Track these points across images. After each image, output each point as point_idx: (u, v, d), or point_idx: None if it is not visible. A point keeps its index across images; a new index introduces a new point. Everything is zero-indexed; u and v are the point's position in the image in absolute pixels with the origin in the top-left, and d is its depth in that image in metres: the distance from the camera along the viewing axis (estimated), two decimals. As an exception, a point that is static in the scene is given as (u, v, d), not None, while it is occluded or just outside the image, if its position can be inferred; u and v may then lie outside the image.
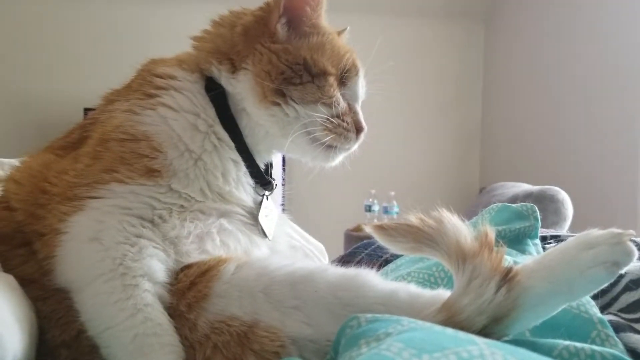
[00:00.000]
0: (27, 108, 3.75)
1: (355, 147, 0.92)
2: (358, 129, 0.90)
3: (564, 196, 2.55)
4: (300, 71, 0.85)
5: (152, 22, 3.79)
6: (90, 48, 3.80)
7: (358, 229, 3.27)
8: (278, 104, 0.84)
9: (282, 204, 1.08)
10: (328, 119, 0.86)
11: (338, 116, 0.87)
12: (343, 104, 0.89)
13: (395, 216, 3.41)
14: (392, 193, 3.47)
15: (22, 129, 3.60)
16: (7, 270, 0.75)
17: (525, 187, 2.85)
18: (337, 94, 0.88)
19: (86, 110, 3.24)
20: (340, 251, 2.70)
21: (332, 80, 0.87)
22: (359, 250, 1.22)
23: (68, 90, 3.65)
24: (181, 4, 3.61)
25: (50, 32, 3.79)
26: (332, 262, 1.28)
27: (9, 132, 3.63)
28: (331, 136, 0.86)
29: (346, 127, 0.88)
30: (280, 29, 0.86)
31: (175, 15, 3.05)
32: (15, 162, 0.89)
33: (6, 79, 3.74)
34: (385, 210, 3.46)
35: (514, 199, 2.66)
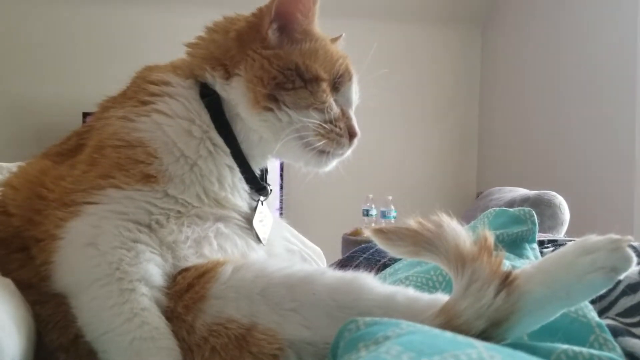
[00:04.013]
0: (26, 112, 3.74)
1: (348, 152, 0.92)
2: (351, 135, 0.90)
3: (560, 201, 2.55)
4: (292, 76, 0.85)
5: (151, 28, 3.79)
6: (89, 52, 3.80)
7: (356, 233, 3.27)
8: (271, 109, 0.85)
9: (280, 209, 1.08)
10: (320, 125, 0.86)
11: (331, 122, 0.87)
12: (336, 110, 0.89)
13: (392, 220, 3.41)
14: (390, 197, 3.47)
15: (21, 133, 3.60)
16: (5, 274, 0.75)
17: (522, 191, 2.86)
18: (330, 100, 0.88)
19: (85, 114, 3.24)
20: (338, 255, 2.69)
21: (324, 85, 0.87)
22: (356, 254, 1.22)
23: (67, 95, 3.65)
24: (180, 10, 3.61)
25: (49, 36, 3.79)
26: (330, 265, 1.28)
27: (8, 136, 3.62)
28: (324, 141, 0.86)
29: (339, 133, 0.88)
30: (272, 35, 0.87)
31: (174, 21, 3.05)
32: (13, 167, 0.89)
33: (5, 84, 3.73)
34: (383, 215, 3.46)
35: (511, 203, 2.67)
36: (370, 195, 3.54)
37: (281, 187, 2.92)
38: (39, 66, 3.78)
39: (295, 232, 1.36)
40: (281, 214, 1.13)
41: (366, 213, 3.51)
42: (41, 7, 3.76)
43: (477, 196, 3.73)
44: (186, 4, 3.60)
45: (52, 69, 3.78)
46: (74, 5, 3.78)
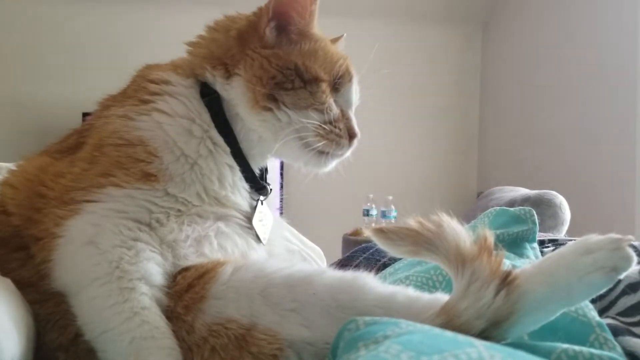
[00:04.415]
0: (25, 112, 3.74)
1: (348, 153, 0.92)
2: (351, 135, 0.90)
3: (561, 200, 2.55)
4: (291, 76, 0.85)
5: (151, 27, 3.79)
6: (88, 52, 3.80)
7: (356, 233, 3.27)
8: (270, 109, 0.85)
9: (280, 208, 1.08)
10: (320, 125, 0.86)
11: (330, 122, 0.87)
12: (336, 110, 0.89)
13: (393, 220, 3.41)
14: (390, 197, 3.46)
15: (20, 133, 3.59)
16: (4, 273, 0.75)
17: (522, 191, 2.85)
18: (330, 100, 0.88)
19: (84, 114, 3.23)
20: (338, 255, 2.69)
21: (324, 86, 0.87)
22: (357, 254, 1.22)
23: (66, 95, 3.64)
24: (182, 9, 3.61)
25: (49, 36, 3.79)
26: (330, 265, 1.28)
27: (8, 136, 3.61)
28: (323, 142, 0.86)
29: (338, 134, 0.88)
30: (269, 33, 0.86)
31: (175, 21, 3.05)
32: (13, 167, 0.89)
33: (5, 84, 3.73)
34: (384, 215, 3.46)
35: (512, 203, 2.66)
36: (371, 195, 3.54)
37: (281, 187, 2.92)
38: (39, 66, 3.77)
39: (295, 231, 1.36)
40: (281, 213, 1.13)
41: (366, 213, 3.51)
42: (41, 7, 3.76)
43: (478, 196, 3.72)
44: (187, 3, 3.60)
45: (52, 69, 3.78)
46: (75, 5, 3.77)
